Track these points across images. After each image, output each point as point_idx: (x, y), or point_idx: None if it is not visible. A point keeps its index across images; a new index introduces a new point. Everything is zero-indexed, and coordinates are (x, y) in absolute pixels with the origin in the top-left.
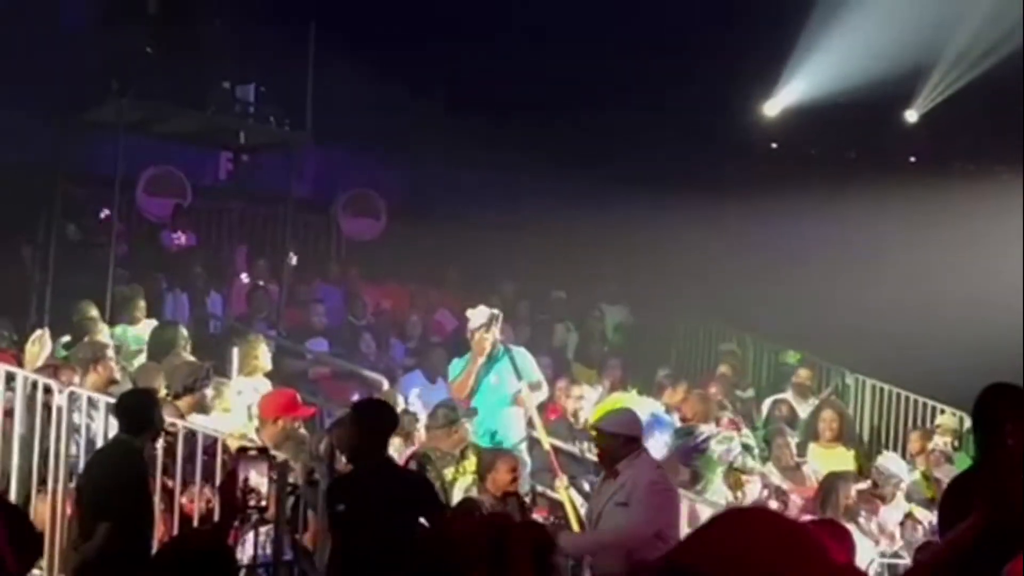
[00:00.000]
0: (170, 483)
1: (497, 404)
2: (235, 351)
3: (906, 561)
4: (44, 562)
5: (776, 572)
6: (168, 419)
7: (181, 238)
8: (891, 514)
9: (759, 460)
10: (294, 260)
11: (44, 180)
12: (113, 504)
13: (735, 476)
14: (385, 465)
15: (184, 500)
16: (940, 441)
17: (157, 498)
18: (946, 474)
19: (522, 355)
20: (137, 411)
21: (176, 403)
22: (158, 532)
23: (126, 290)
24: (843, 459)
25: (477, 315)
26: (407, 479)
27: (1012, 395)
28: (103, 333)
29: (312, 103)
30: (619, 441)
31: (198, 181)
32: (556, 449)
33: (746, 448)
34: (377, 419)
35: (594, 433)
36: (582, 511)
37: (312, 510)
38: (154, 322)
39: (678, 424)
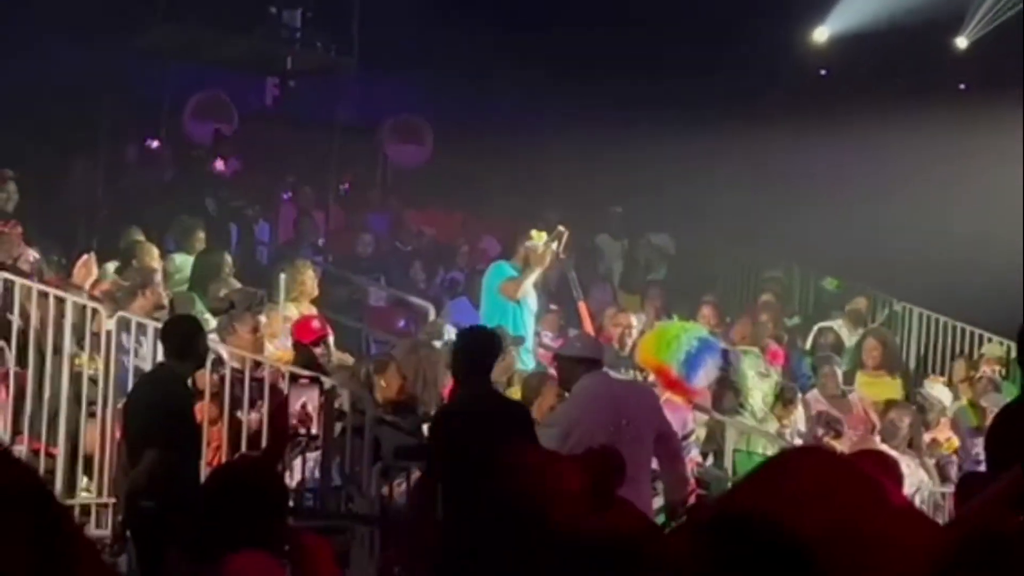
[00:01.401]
0: (215, 410)
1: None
2: (282, 277)
3: (950, 490)
4: (94, 485)
5: (838, 516)
6: (214, 346)
7: (221, 164)
8: (936, 439)
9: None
10: (346, 186)
11: (92, 105)
12: (158, 430)
13: (781, 403)
14: (487, 393)
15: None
16: (987, 369)
17: (207, 423)
18: (992, 403)
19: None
20: (181, 337)
21: (233, 327)
22: (211, 458)
23: (186, 220)
24: (889, 387)
25: (544, 237)
26: (510, 407)
27: None
28: (151, 258)
29: (358, 28)
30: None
31: (244, 107)
32: None
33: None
34: (478, 345)
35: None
36: None
37: (359, 436)
38: None
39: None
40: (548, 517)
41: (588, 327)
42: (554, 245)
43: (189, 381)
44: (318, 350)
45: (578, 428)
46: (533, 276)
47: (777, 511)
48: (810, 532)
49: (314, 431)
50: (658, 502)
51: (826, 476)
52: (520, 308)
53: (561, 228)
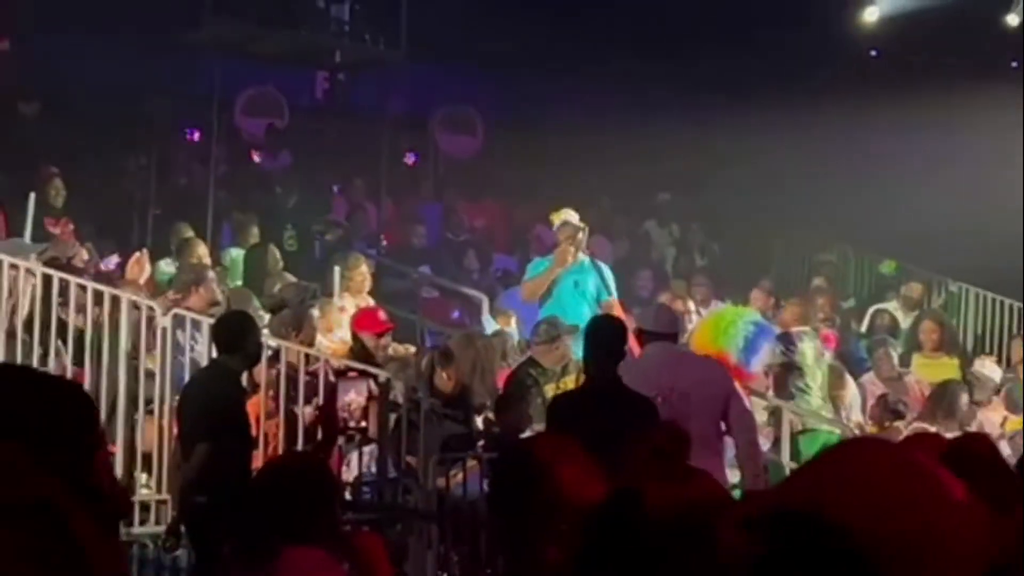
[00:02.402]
0: (271, 405)
1: (577, 305)
2: (336, 270)
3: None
4: (153, 482)
5: (894, 512)
6: (268, 342)
7: (272, 159)
8: (989, 418)
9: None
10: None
11: (143, 102)
12: (208, 425)
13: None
14: (612, 384)
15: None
16: None
17: (263, 418)
18: None
19: (606, 271)
20: (233, 333)
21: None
22: (269, 453)
23: (241, 216)
24: (947, 368)
25: (562, 215)
26: (632, 401)
27: None
28: (202, 254)
29: (406, 20)
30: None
31: (295, 101)
32: None
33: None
34: (604, 336)
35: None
36: None
37: (415, 428)
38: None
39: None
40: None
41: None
42: (578, 241)
43: (244, 377)
44: (383, 341)
45: None
46: (551, 277)
47: (832, 506)
48: (865, 529)
49: (363, 424)
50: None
51: (882, 470)
52: (544, 306)
53: (581, 225)
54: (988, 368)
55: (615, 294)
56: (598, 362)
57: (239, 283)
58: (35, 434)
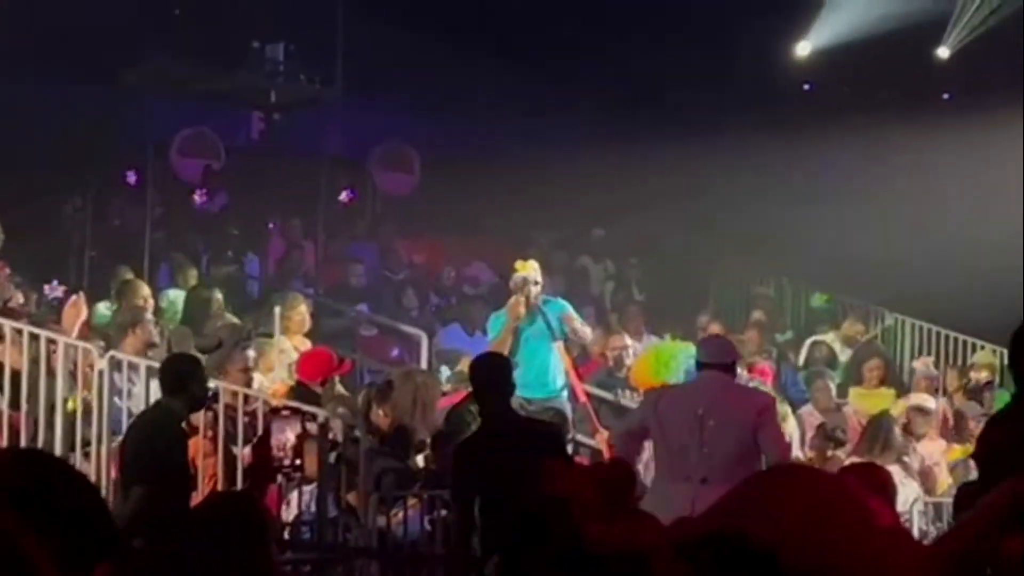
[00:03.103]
0: (209, 445)
1: (535, 355)
2: (276, 310)
3: (950, 501)
4: None
5: (821, 538)
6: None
7: (207, 198)
8: (929, 450)
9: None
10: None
11: (79, 144)
12: (144, 467)
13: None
14: (509, 421)
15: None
16: (975, 377)
17: (201, 459)
18: (969, 410)
19: (558, 307)
20: (177, 375)
21: (225, 366)
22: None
23: (177, 257)
24: (884, 399)
25: (527, 268)
26: (534, 431)
27: None
28: (140, 296)
29: (342, 59)
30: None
31: (230, 142)
32: (596, 400)
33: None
34: (486, 374)
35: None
36: None
37: (354, 467)
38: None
39: None
40: (558, 526)
41: (568, 365)
42: (528, 292)
43: (191, 418)
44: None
45: (654, 414)
46: (512, 330)
47: (757, 532)
48: (790, 553)
49: (297, 463)
50: None
51: (807, 496)
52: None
53: (527, 275)
54: (923, 399)
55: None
56: (489, 401)
57: (177, 324)
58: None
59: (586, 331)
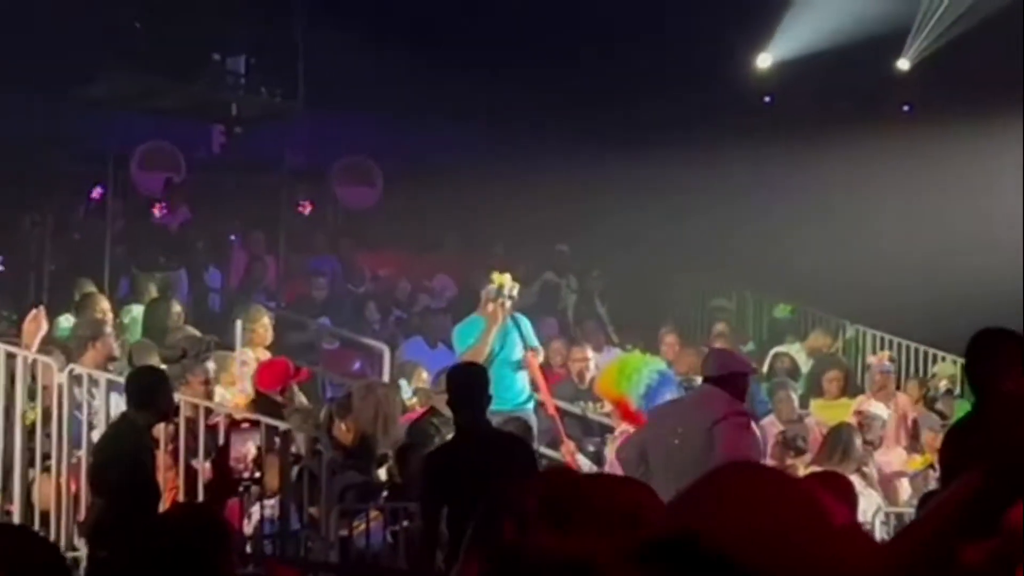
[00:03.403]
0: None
1: (503, 367)
2: (238, 324)
3: (911, 511)
4: (50, 539)
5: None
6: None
7: (166, 211)
8: (888, 459)
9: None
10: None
11: (39, 157)
12: (106, 479)
13: None
14: (482, 432)
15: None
16: (935, 387)
17: (162, 471)
18: (929, 420)
19: (524, 321)
20: (138, 388)
21: (184, 376)
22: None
23: (138, 271)
24: (845, 410)
25: (506, 281)
26: (504, 445)
27: (1006, 340)
28: (101, 309)
29: (303, 72)
30: None
31: (192, 155)
32: (561, 412)
33: None
34: (463, 384)
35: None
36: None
37: (317, 480)
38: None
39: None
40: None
41: (538, 375)
42: (505, 294)
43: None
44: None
45: (642, 434)
46: (491, 337)
47: (709, 532)
48: (741, 554)
49: (257, 475)
50: None
51: (758, 491)
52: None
53: (505, 278)
54: (874, 407)
55: (535, 341)
56: (464, 412)
57: (139, 338)
58: None
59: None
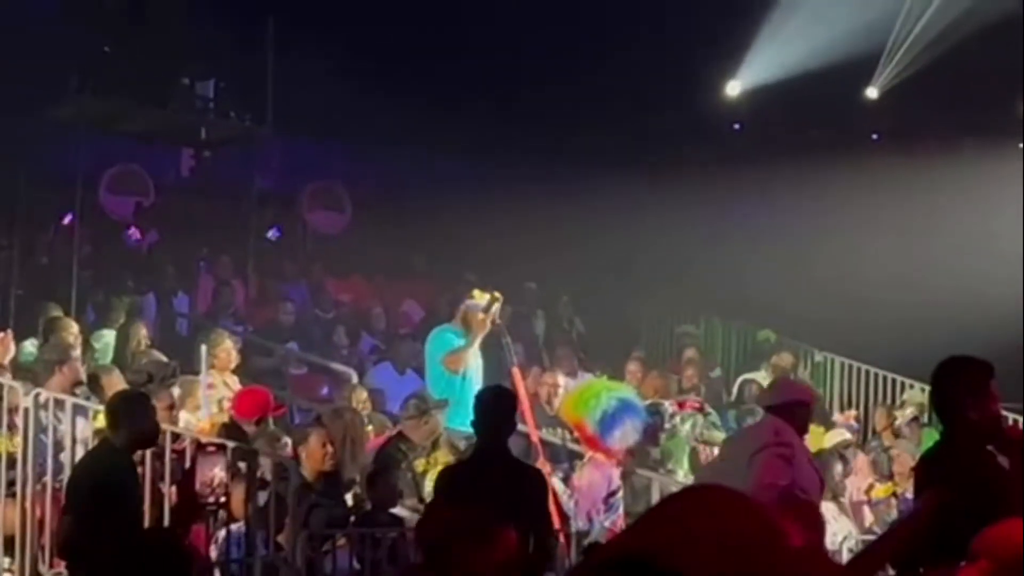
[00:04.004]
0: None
1: (475, 386)
2: (203, 348)
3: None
4: (16, 565)
5: (729, 553)
6: None
7: (138, 235)
8: (855, 484)
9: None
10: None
11: (6, 180)
12: (73, 498)
13: (699, 453)
14: (498, 455)
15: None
16: (902, 415)
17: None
18: (901, 448)
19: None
20: (111, 412)
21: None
22: None
23: (104, 296)
24: (813, 436)
25: (480, 297)
26: (519, 470)
27: (971, 368)
28: (69, 333)
29: (272, 97)
30: None
31: (161, 179)
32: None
33: (713, 425)
34: (492, 407)
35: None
36: (563, 499)
37: (285, 505)
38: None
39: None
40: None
41: (522, 393)
42: (494, 309)
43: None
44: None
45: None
46: (475, 344)
47: (665, 552)
48: (697, 570)
49: (223, 500)
50: None
51: (715, 512)
52: (465, 378)
53: (497, 294)
54: (839, 435)
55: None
56: (486, 433)
57: (106, 362)
58: None
59: None
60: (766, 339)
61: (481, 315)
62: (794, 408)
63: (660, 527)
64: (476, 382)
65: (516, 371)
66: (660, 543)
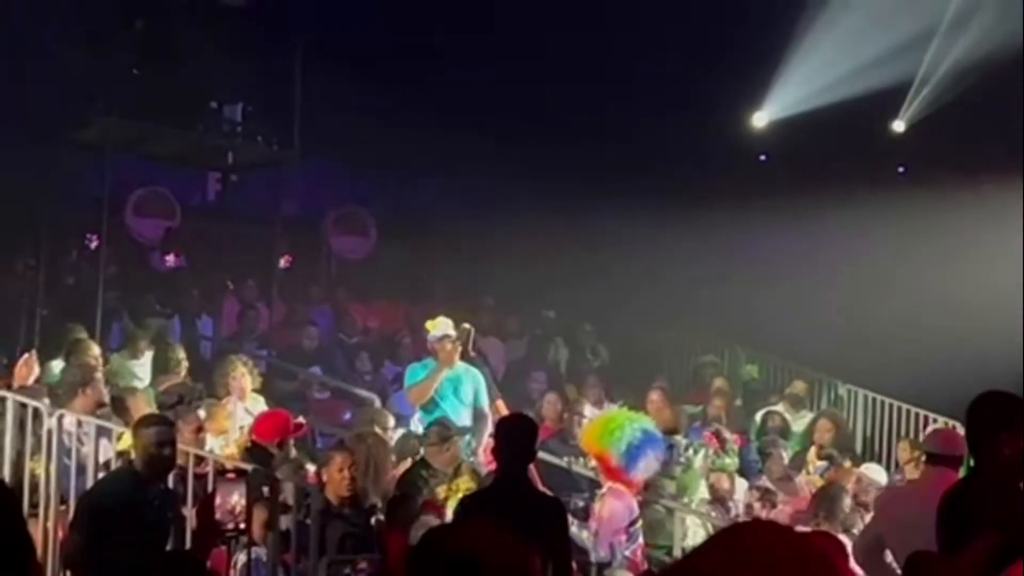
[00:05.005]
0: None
1: (457, 408)
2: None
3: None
4: None
5: None
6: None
7: (171, 260)
8: None
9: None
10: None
11: (32, 202)
12: (79, 516)
13: (714, 483)
14: (519, 484)
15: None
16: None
17: None
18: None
19: (479, 378)
20: (135, 432)
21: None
22: None
23: (130, 324)
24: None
25: (440, 326)
26: (539, 500)
27: (1005, 403)
28: (91, 355)
29: (299, 121)
30: None
31: (187, 202)
32: (546, 464)
33: (726, 453)
34: (515, 435)
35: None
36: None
37: (306, 530)
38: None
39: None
40: None
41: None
42: (447, 332)
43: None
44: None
45: (876, 522)
46: (437, 379)
47: None
48: None
49: (242, 526)
50: None
51: (775, 548)
52: (440, 408)
53: (466, 326)
54: (873, 471)
55: (487, 399)
56: (507, 461)
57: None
58: None
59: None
60: (748, 375)
61: (449, 345)
62: (958, 463)
63: (716, 559)
64: (458, 407)
65: (499, 404)
66: (717, 574)
